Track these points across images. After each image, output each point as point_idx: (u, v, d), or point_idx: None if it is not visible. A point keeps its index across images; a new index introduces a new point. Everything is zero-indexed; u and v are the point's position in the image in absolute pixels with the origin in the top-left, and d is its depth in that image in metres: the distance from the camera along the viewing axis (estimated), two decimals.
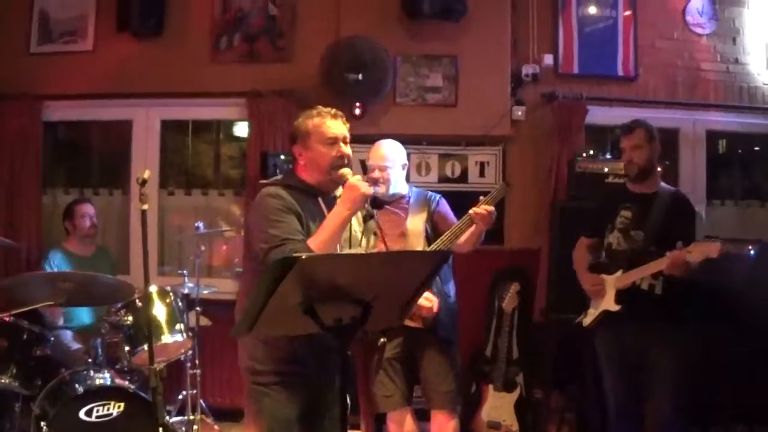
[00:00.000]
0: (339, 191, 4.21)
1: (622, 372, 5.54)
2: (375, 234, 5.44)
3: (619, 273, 5.41)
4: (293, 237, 3.89)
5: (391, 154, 5.57)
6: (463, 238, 5.34)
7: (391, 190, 5.55)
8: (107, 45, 8.07)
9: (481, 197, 5.23)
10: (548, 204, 7.60)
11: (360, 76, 7.44)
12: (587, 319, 5.65)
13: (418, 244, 5.44)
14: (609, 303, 5.44)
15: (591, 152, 7.58)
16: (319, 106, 4.30)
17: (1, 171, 7.85)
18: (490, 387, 6.99)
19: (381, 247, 5.34)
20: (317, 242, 3.85)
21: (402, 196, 5.64)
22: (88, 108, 8.24)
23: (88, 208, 7.31)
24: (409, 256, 4.29)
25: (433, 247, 5.36)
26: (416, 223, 5.51)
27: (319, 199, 4.12)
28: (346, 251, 4.19)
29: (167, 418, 5.88)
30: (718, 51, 8.23)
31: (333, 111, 4.23)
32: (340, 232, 3.94)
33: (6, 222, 7.70)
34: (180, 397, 6.98)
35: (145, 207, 4.34)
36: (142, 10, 7.76)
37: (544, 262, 7.53)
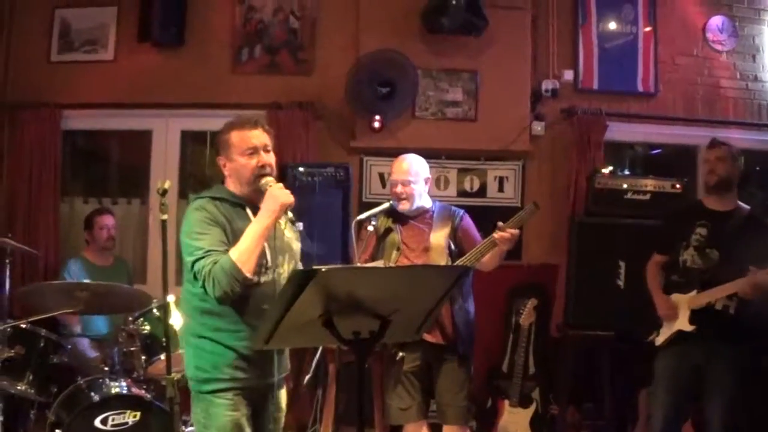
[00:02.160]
0: None
1: (678, 390, 5.51)
2: (398, 249, 5.45)
3: (693, 293, 5.37)
4: (216, 248, 3.87)
5: (414, 168, 5.56)
6: (485, 257, 5.35)
7: (415, 205, 5.56)
8: (128, 55, 8.08)
9: (506, 222, 5.24)
10: (567, 219, 7.58)
11: (388, 90, 7.48)
12: (660, 338, 5.57)
13: (441, 260, 5.42)
14: (683, 323, 5.39)
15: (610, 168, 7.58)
16: (240, 115, 4.28)
17: (20, 179, 7.85)
18: (506, 402, 6.96)
19: (404, 262, 5.35)
20: (239, 252, 3.80)
21: (425, 211, 5.64)
22: (108, 117, 8.24)
23: (108, 220, 7.33)
24: (429, 270, 4.27)
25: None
26: (439, 238, 5.49)
27: (248, 210, 4.08)
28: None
29: (183, 428, 5.88)
30: (737, 68, 8.24)
31: (253, 120, 4.19)
32: (262, 241, 3.87)
33: (25, 229, 7.72)
34: None
35: (165, 217, 4.34)
36: (163, 20, 7.75)
37: (561, 277, 7.51)
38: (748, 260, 5.11)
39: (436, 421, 5.78)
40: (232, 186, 4.15)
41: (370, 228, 5.61)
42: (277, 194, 3.90)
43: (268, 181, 4.00)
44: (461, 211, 5.71)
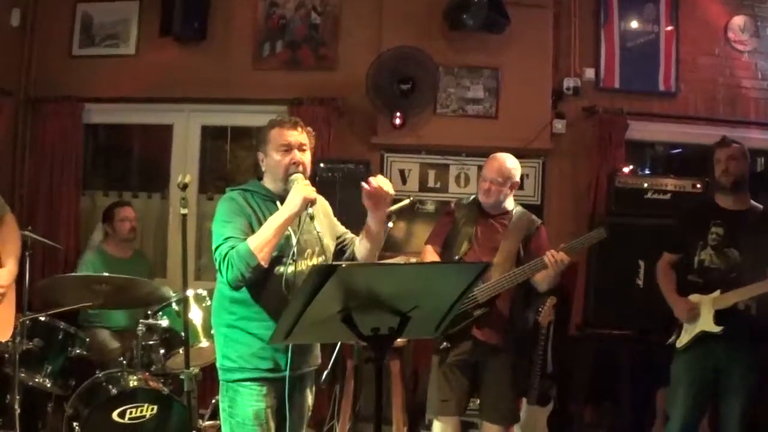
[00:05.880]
0: None
1: (698, 392, 5.43)
2: (470, 241, 5.47)
3: (716, 293, 5.31)
4: (237, 236, 4.03)
5: (505, 170, 5.56)
6: (538, 276, 5.36)
7: (497, 204, 5.59)
8: (150, 49, 8.14)
9: (562, 244, 5.26)
10: (587, 218, 7.56)
11: (410, 87, 7.48)
12: (682, 339, 5.49)
13: (506, 264, 5.43)
14: (708, 323, 5.30)
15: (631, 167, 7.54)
16: (280, 116, 4.49)
17: (41, 172, 7.93)
18: (524, 400, 6.94)
19: (471, 256, 5.36)
20: (256, 240, 3.93)
21: (506, 212, 5.65)
22: (129, 111, 8.30)
23: (129, 212, 7.34)
24: (448, 267, 4.27)
25: (502, 279, 5.33)
26: (511, 243, 5.51)
27: (278, 203, 4.18)
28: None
29: (200, 421, 5.89)
30: (759, 68, 8.15)
31: (293, 120, 4.40)
32: (281, 232, 3.98)
33: (46, 222, 7.76)
34: (213, 401, 6.96)
35: (185, 211, 4.37)
36: (185, 15, 7.78)
37: (581, 276, 7.47)
38: (765, 258, 5.13)
39: (468, 419, 5.77)
40: (267, 181, 4.34)
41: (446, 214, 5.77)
42: (301, 189, 4.01)
43: (297, 177, 4.13)
44: (539, 221, 5.72)
